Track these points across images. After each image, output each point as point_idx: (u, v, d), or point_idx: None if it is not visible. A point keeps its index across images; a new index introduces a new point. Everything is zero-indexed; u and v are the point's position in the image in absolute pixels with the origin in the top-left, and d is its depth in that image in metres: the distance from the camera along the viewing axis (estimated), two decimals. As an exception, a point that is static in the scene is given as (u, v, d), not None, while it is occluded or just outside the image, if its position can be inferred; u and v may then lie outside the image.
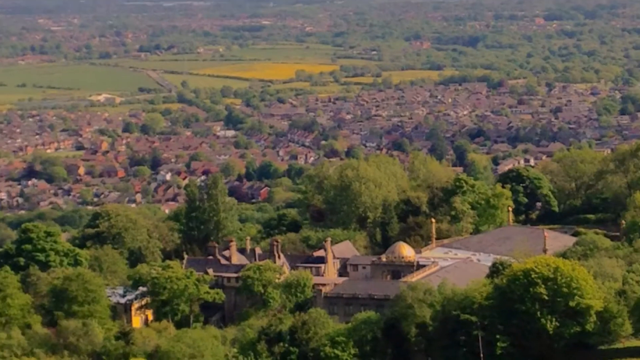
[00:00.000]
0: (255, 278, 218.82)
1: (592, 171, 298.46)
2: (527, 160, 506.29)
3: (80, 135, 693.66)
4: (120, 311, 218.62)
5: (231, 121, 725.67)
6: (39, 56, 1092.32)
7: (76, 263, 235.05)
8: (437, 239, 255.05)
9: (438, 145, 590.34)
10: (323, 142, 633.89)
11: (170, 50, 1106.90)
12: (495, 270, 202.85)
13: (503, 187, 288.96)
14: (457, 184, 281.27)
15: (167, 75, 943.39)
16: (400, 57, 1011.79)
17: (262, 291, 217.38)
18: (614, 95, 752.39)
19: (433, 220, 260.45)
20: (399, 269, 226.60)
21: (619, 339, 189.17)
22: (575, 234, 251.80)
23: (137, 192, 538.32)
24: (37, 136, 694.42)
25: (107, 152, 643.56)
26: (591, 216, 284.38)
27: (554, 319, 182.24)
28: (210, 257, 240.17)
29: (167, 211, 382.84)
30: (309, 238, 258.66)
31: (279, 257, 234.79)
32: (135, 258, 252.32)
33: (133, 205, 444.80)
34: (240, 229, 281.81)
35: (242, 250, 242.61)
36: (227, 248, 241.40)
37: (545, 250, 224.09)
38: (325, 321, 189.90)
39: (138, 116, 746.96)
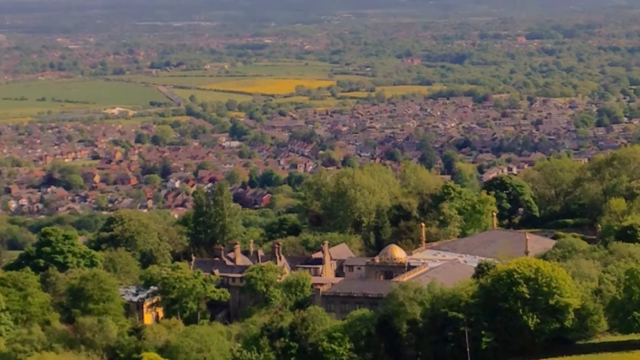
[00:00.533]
0: (258, 278, 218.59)
1: (570, 179, 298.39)
2: (510, 169, 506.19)
3: (96, 146, 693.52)
4: (133, 309, 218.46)
5: (236, 132, 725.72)
6: (57, 72, 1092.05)
7: (92, 264, 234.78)
8: (426, 241, 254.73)
9: (427, 155, 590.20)
10: (321, 152, 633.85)
11: (179, 67, 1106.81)
12: (480, 270, 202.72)
13: (488, 193, 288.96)
14: (445, 190, 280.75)
15: (176, 90, 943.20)
16: (392, 73, 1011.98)
17: (265, 290, 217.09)
18: (590, 109, 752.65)
19: (423, 224, 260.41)
20: (391, 270, 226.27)
21: (596, 335, 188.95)
22: (554, 237, 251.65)
23: (148, 199, 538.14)
24: (55, 146, 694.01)
25: (121, 161, 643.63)
26: (569, 221, 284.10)
27: (535, 316, 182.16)
28: (216, 259, 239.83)
29: (176, 216, 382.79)
30: (308, 241, 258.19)
31: (280, 258, 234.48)
32: (146, 260, 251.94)
33: (145, 210, 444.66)
34: (244, 233, 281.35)
35: (245, 252, 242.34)
36: (232, 250, 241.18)
37: (527, 253, 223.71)
38: (323, 318, 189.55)
39: (149, 128, 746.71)
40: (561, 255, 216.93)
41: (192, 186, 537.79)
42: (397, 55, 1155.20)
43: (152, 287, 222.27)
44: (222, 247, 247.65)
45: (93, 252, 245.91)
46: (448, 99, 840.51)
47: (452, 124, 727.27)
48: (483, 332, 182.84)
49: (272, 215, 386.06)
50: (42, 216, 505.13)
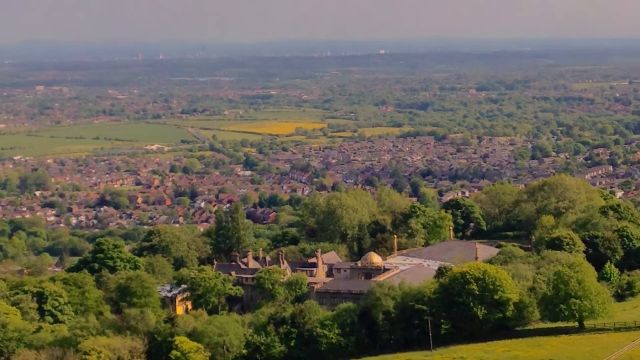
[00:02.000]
0: (266, 278, 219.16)
1: (510, 201, 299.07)
2: (463, 193, 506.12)
3: (138, 174, 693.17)
4: (168, 302, 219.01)
5: (248, 164, 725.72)
6: (108, 117, 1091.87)
7: (135, 267, 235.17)
8: (397, 249, 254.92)
9: (398, 181, 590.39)
10: (315, 180, 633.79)
11: (204, 113, 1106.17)
12: (440, 272, 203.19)
13: (446, 212, 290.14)
14: (413, 210, 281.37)
15: (202, 130, 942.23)
16: (371, 118, 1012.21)
17: (271, 288, 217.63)
18: (526, 145, 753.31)
19: (395, 236, 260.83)
20: (370, 272, 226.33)
21: (530, 323, 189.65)
22: (498, 246, 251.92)
23: (179, 216, 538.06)
24: (107, 175, 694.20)
25: (158, 186, 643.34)
26: (510, 233, 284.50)
27: (482, 308, 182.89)
28: (233, 263, 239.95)
29: (201, 230, 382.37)
30: (305, 249, 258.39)
31: (283, 263, 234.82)
32: (178, 264, 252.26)
33: (177, 225, 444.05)
34: (255, 243, 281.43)
35: (256, 258, 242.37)
36: (245, 256, 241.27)
37: (476, 258, 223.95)
38: (317, 310, 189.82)
39: (180, 160, 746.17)
40: (503, 260, 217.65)
41: (214, 206, 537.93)
42: (375, 103, 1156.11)
43: (182, 285, 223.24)
44: (238, 254, 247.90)
45: (136, 257, 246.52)
46: (415, 137, 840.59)
47: (418, 158, 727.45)
48: (442, 321, 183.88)
49: (277, 229, 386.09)
50: (96, 230, 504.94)
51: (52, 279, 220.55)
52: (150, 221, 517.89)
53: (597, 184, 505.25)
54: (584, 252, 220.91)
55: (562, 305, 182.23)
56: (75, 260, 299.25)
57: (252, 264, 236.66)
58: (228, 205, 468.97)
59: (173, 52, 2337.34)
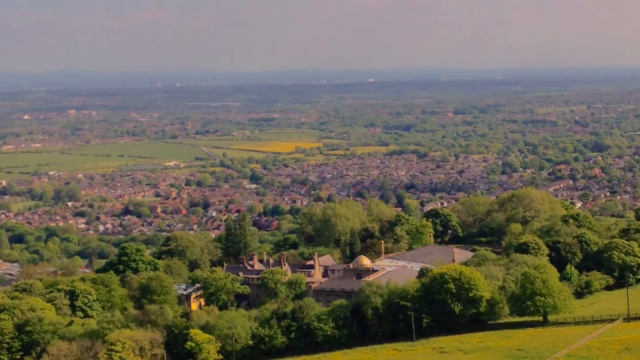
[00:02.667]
0: (269, 278, 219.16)
1: (483, 210, 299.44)
2: (442, 203, 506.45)
3: (158, 187, 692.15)
4: (183, 299, 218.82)
5: (254, 178, 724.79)
6: (132, 137, 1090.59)
7: (155, 269, 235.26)
8: (385, 253, 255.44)
9: (385, 193, 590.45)
10: (312, 192, 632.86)
11: (215, 134, 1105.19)
12: (422, 273, 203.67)
13: (427, 220, 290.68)
14: (398, 218, 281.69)
15: (213, 149, 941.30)
16: (361, 138, 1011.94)
17: (274, 286, 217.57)
18: (497, 162, 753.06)
19: (382, 241, 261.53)
20: (361, 273, 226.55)
21: (501, 317, 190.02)
22: (472, 250, 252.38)
23: (194, 224, 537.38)
24: (130, 188, 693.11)
25: (175, 198, 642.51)
26: (483, 239, 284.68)
27: (459, 304, 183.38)
28: (241, 265, 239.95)
29: (213, 236, 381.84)
30: (303, 253, 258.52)
31: (284, 265, 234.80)
32: (193, 265, 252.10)
33: (191, 232, 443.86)
34: (260, 247, 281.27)
35: (261, 261, 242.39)
36: (251, 259, 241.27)
37: (453, 261, 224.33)
38: (314, 306, 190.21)
39: (194, 175, 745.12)
40: (477, 262, 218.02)
41: (224, 215, 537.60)
42: (365, 125, 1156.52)
43: (196, 285, 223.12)
44: (245, 257, 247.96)
45: (156, 260, 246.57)
46: (399, 155, 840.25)
47: (402, 173, 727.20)
48: (423, 315, 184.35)
49: (279, 235, 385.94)
50: (121, 236, 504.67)
51: (83, 279, 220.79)
52: (168, 228, 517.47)
53: (559, 195, 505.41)
54: (547, 255, 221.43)
55: (528, 302, 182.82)
56: (102, 262, 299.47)
57: (257, 266, 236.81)
58: (236, 214, 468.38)
59: (188, 81, 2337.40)
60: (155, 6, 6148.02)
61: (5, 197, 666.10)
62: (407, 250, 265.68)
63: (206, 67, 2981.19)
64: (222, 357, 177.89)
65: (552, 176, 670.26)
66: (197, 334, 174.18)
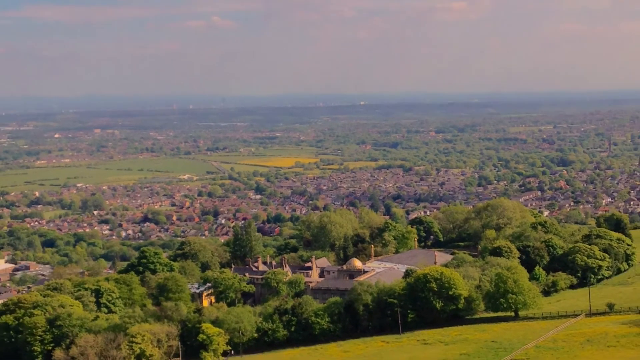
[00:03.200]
0: (272, 278, 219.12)
1: (461, 218, 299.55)
2: (425, 212, 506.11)
3: (174, 198, 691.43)
4: (196, 297, 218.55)
5: (258, 190, 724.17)
6: (150, 153, 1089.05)
7: (171, 270, 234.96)
8: (374, 256, 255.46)
9: (375, 203, 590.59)
10: (310, 202, 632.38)
11: (224, 150, 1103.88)
12: (407, 274, 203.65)
13: (411, 227, 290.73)
14: (386, 225, 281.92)
15: (222, 164, 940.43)
16: (353, 154, 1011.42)
17: (276, 285, 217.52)
18: (474, 175, 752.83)
19: (372, 246, 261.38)
20: (353, 273, 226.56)
21: (477, 312, 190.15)
22: (452, 254, 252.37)
23: (205, 230, 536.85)
24: (149, 198, 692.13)
25: (189, 207, 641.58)
26: (461, 243, 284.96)
27: (440, 301, 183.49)
28: (247, 266, 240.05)
29: (222, 240, 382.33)
30: (302, 256, 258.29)
31: (285, 266, 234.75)
32: (204, 267, 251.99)
33: (203, 237, 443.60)
34: (264, 251, 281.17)
35: (264, 262, 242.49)
36: (256, 261, 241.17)
37: (435, 263, 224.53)
38: (312, 303, 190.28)
39: (206, 187, 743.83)
40: (456, 264, 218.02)
41: (232, 223, 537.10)
42: (357, 142, 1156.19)
43: (207, 284, 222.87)
44: (250, 260, 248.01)
45: (172, 262, 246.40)
46: (387, 169, 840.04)
47: (390, 185, 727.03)
48: (409, 311, 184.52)
49: (281, 240, 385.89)
50: (141, 241, 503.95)
51: (107, 279, 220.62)
52: (182, 234, 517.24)
53: (529, 205, 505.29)
54: (518, 258, 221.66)
55: (501, 299, 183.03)
56: (124, 264, 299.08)
57: (262, 267, 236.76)
58: (243, 222, 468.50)
59: (200, 103, 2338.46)
60: (172, 38, 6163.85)
61: (39, 206, 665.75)
62: (394, 253, 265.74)
63: (216, 92, 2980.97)
64: (230, 348, 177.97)
65: (522, 188, 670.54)
66: (208, 327, 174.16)
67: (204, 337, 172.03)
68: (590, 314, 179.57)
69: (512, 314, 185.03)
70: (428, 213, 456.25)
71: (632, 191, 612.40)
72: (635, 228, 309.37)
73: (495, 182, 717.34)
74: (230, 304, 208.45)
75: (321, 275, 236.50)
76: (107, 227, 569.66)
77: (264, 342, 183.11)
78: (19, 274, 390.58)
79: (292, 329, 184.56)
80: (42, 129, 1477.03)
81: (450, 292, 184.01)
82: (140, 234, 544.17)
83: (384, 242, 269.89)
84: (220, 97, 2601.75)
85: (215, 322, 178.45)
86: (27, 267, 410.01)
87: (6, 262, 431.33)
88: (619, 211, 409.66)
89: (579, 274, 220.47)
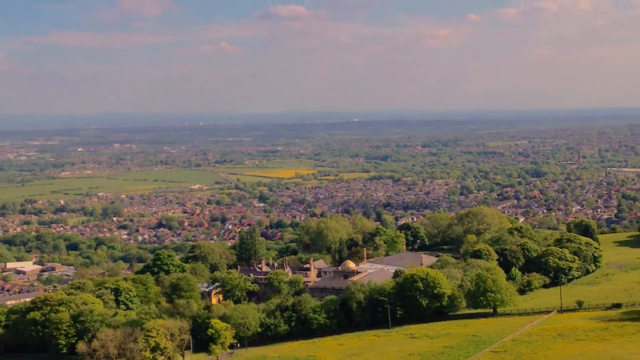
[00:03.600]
0: (274, 278, 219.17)
1: (445, 224, 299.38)
2: (412, 218, 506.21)
3: (185, 206, 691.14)
4: (205, 295, 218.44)
5: (262, 199, 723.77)
6: (164, 165, 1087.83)
7: (183, 271, 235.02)
8: (367, 258, 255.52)
9: (367, 211, 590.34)
10: (308, 209, 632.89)
11: (231, 163, 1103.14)
12: (396, 274, 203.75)
13: (400, 232, 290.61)
14: (377, 230, 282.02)
15: (230, 175, 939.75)
16: (348, 166, 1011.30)
17: (278, 285, 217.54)
18: (456, 186, 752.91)
19: (365, 249, 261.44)
20: (348, 274, 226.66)
21: (459, 309, 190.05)
22: (437, 256, 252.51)
23: (214, 235, 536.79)
24: (163, 206, 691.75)
25: (199, 214, 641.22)
26: (445, 247, 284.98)
27: (426, 299, 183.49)
28: (252, 268, 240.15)
29: (229, 244, 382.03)
30: (302, 258, 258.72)
31: (286, 267, 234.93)
32: (213, 268, 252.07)
33: (212, 241, 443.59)
34: (267, 253, 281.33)
35: (267, 264, 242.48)
36: (260, 263, 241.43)
37: (421, 264, 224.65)
38: (310, 300, 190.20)
39: (214, 196, 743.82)
40: (440, 266, 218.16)
41: (238, 228, 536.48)
42: (351, 156, 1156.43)
43: (216, 283, 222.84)
44: (254, 261, 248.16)
45: (184, 264, 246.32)
46: (378, 180, 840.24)
47: (381, 194, 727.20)
48: (397, 308, 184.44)
49: (282, 244, 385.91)
50: (156, 244, 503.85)
51: (125, 279, 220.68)
52: (193, 238, 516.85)
53: (506, 212, 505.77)
54: (496, 260, 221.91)
55: (481, 297, 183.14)
56: (140, 265, 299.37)
57: (265, 268, 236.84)
58: (248, 227, 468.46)
59: (209, 120, 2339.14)
60: (184, 62, 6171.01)
61: (64, 213, 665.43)
62: (384, 256, 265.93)
63: (224, 110, 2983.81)
64: (237, 341, 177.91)
65: (500, 196, 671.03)
66: (216, 322, 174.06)
67: (213, 331, 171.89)
68: (561, 311, 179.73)
69: (491, 310, 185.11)
70: (415, 219, 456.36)
71: (599, 200, 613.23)
72: (602, 233, 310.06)
73: (475, 191, 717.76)
74: (237, 301, 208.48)
75: (318, 275, 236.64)
76: (125, 232, 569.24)
77: (267, 336, 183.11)
78: (45, 275, 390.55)
79: (292, 324, 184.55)
80: (67, 144, 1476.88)
81: (435, 291, 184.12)
82: (155, 239, 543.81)
83: (375, 245, 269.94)
84: (228, 114, 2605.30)
85: (223, 318, 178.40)
86: (53, 268, 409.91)
87: (34, 263, 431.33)
88: (587, 218, 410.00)
89: (551, 275, 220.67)
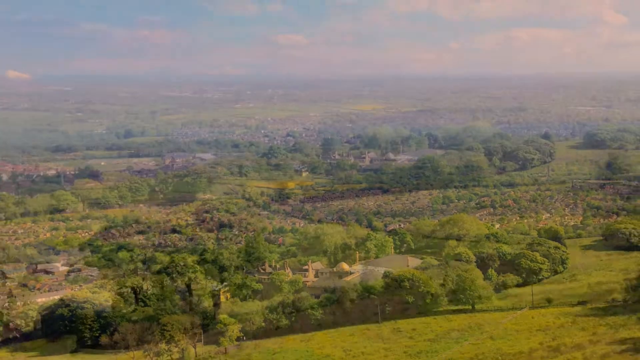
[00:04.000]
0: (276, 278, 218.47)
1: (429, 230, 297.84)
2: (400, 225, 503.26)
3: (197, 214, 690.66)
4: (215, 293, 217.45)
5: (265, 207, 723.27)
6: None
7: (195, 272, 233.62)
8: (359, 260, 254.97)
9: (359, 218, 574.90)
10: (307, 217, 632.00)
11: (238, 174, 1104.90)
12: (385, 275, 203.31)
13: (389, 237, 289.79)
14: (368, 236, 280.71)
15: (237, 186, 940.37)
16: (342, 178, 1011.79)
17: (279, 284, 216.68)
18: (439, 196, 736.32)
19: (357, 252, 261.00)
20: (342, 274, 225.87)
21: (442, 306, 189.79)
22: (421, 259, 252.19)
23: (222, 240, 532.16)
24: (177, 215, 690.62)
25: (209, 221, 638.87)
26: (429, 250, 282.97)
27: (412, 297, 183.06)
28: (256, 269, 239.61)
29: (236, 248, 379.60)
30: (301, 260, 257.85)
31: (287, 269, 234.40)
32: (222, 269, 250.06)
33: (221, 246, 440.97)
34: (269, 256, 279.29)
35: (270, 266, 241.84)
36: (264, 265, 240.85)
37: (407, 266, 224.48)
38: (308, 298, 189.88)
39: (223, 205, 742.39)
40: (424, 267, 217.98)
41: (244, 234, 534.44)
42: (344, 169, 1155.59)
43: (224, 283, 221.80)
44: (259, 263, 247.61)
45: (196, 266, 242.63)
46: (369, 190, 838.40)
47: (371, 203, 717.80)
48: (386, 305, 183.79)
49: (283, 247, 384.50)
50: (170, 248, 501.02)
51: (143, 279, 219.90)
52: (204, 243, 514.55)
53: (483, 219, 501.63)
54: (474, 262, 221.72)
55: (461, 295, 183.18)
56: (157, 267, 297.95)
57: (268, 270, 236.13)
58: (252, 233, 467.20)
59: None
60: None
61: (88, 220, 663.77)
62: (374, 258, 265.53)
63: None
64: (243, 335, 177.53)
65: (478, 205, 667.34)
66: (224, 318, 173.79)
67: (222, 325, 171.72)
68: (532, 307, 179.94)
69: (470, 307, 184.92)
70: (402, 226, 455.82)
71: (566, 208, 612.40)
72: (569, 238, 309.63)
73: (456, 201, 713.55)
74: (243, 299, 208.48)
75: (316, 276, 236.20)
76: (143, 237, 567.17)
77: (270, 329, 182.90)
78: (72, 275, 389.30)
79: (293, 319, 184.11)
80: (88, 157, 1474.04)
81: (420, 290, 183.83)
82: (170, 243, 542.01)
83: (366, 249, 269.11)
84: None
85: (231, 314, 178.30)
86: (79, 270, 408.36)
87: (62, 265, 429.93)
88: (556, 224, 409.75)
89: (523, 275, 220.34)
